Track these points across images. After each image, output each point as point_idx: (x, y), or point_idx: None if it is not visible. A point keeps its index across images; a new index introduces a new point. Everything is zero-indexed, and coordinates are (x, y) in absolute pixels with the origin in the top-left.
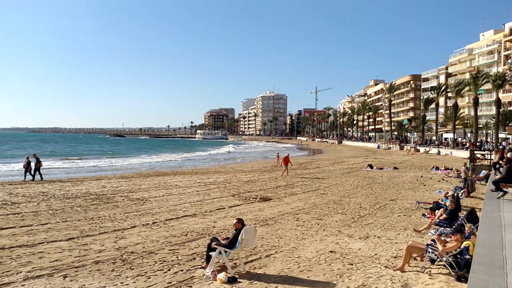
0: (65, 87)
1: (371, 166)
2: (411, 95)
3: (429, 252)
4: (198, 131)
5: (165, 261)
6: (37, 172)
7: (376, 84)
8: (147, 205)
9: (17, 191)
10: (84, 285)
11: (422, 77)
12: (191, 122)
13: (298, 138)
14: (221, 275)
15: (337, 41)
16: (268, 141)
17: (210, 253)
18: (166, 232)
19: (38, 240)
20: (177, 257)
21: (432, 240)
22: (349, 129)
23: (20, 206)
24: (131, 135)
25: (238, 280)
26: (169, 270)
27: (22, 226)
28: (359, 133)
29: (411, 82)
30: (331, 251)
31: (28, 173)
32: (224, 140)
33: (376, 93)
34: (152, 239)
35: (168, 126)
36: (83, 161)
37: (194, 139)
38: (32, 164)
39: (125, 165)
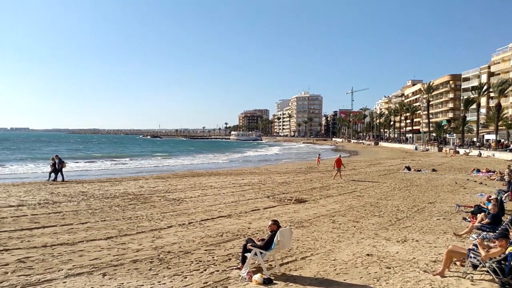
0: (104, 89)
1: (408, 168)
2: (451, 95)
3: (471, 257)
4: (232, 132)
5: (201, 261)
6: (59, 173)
7: (413, 85)
8: (183, 205)
9: (58, 191)
10: (123, 283)
11: (462, 76)
12: (226, 123)
13: (333, 139)
14: (257, 277)
15: (374, 40)
16: (303, 142)
17: (246, 254)
18: (201, 232)
19: (78, 238)
20: (213, 257)
21: (474, 244)
22: (385, 130)
23: (61, 205)
24: (167, 136)
25: (274, 281)
26: (205, 270)
27: (63, 224)
28: (396, 134)
29: (451, 82)
30: (368, 254)
31: (53, 173)
32: (258, 141)
33: (413, 93)
34: (188, 239)
35: (203, 127)
36: (121, 161)
37: (228, 140)
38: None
39: (162, 166)
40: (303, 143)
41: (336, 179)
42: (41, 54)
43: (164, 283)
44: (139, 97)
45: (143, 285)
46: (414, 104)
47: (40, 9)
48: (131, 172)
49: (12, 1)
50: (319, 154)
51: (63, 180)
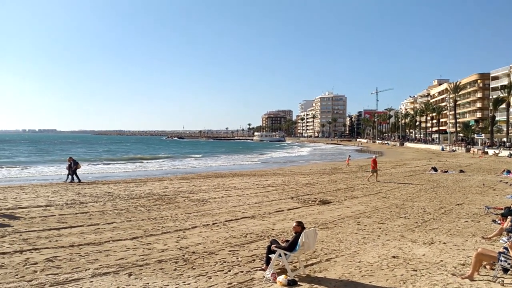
0: (129, 91)
1: (435, 169)
2: (479, 94)
3: (501, 260)
4: (255, 133)
5: (225, 261)
6: (74, 174)
7: (440, 84)
8: (207, 206)
9: (85, 191)
10: (148, 283)
11: (491, 75)
12: (249, 124)
13: (358, 140)
14: (281, 278)
15: (399, 40)
16: (327, 143)
17: (270, 255)
18: (226, 233)
19: (105, 238)
20: (237, 258)
21: (505, 247)
22: (411, 130)
23: (88, 206)
24: (190, 137)
25: (298, 283)
26: (229, 271)
27: (89, 224)
28: (421, 135)
29: (479, 81)
30: (393, 256)
31: (71, 174)
32: (282, 142)
33: (440, 93)
34: (213, 239)
35: (227, 128)
36: (146, 162)
37: (251, 141)
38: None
39: (186, 166)
40: (327, 143)
41: (370, 181)
42: (67, 57)
43: (189, 283)
44: (164, 99)
45: (168, 285)
46: (441, 104)
47: (65, 13)
48: (156, 173)
49: (38, 5)
50: (349, 156)
51: (79, 181)
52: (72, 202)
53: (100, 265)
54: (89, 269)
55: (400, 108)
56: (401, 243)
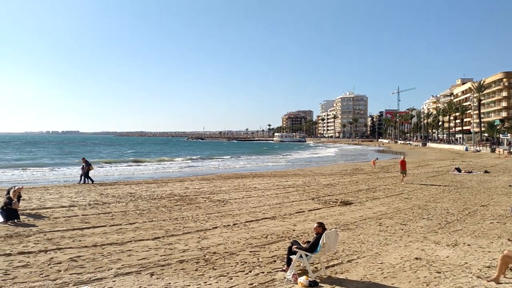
0: (149, 93)
1: (458, 170)
2: (504, 93)
3: None
4: (276, 134)
5: (246, 262)
6: (86, 176)
7: (463, 83)
8: (228, 206)
9: (107, 192)
10: (170, 283)
11: None
12: (269, 125)
13: (379, 140)
14: (302, 279)
15: (421, 38)
16: (348, 144)
17: (291, 256)
18: (246, 233)
19: (127, 238)
20: (258, 259)
21: None
22: (433, 130)
23: (110, 206)
24: (211, 138)
25: (319, 284)
26: (250, 271)
27: (112, 225)
28: (444, 135)
29: (504, 79)
30: (416, 258)
31: (83, 176)
32: (302, 142)
33: (463, 92)
34: (233, 240)
35: (247, 129)
36: (167, 163)
37: (271, 141)
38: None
39: (206, 167)
40: (348, 144)
41: (404, 182)
42: (89, 59)
43: (210, 284)
44: (185, 100)
45: (189, 285)
46: (464, 104)
47: (88, 15)
48: (176, 174)
49: (61, 7)
50: (377, 158)
51: (92, 182)
52: (95, 203)
53: (122, 265)
54: (111, 268)
55: (423, 108)
56: (424, 244)
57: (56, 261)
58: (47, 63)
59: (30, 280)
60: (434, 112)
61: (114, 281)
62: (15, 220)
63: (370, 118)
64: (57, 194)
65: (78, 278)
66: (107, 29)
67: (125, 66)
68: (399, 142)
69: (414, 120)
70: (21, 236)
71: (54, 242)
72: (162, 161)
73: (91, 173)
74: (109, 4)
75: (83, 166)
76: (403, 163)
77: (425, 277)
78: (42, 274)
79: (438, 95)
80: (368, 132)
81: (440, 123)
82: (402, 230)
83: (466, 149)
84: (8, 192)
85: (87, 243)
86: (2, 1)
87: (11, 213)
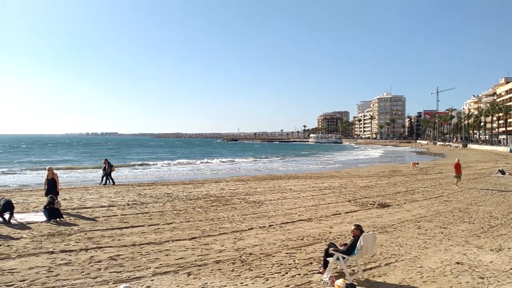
0: (185, 94)
1: (502, 172)
2: None
3: None
4: (311, 135)
5: (282, 264)
6: (109, 177)
7: (507, 82)
8: (263, 208)
9: (145, 192)
10: (206, 283)
11: None
12: (304, 126)
13: (417, 141)
14: (339, 282)
15: (462, 36)
16: (386, 145)
17: (328, 259)
18: (282, 235)
19: (164, 238)
20: (294, 260)
21: None
22: (475, 131)
23: (148, 206)
24: (245, 140)
25: (357, 287)
26: (286, 273)
27: (150, 224)
28: (486, 136)
29: None
30: (457, 262)
31: (105, 177)
32: (338, 144)
33: (507, 91)
34: (269, 241)
35: (281, 130)
36: (202, 164)
37: (307, 142)
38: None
39: (241, 168)
40: (385, 145)
41: (458, 186)
42: (127, 62)
43: (247, 285)
44: (220, 101)
45: (226, 286)
46: (508, 104)
47: (126, 18)
48: (212, 175)
49: (98, 11)
50: (417, 163)
51: (113, 183)
52: (133, 203)
53: (160, 264)
54: (150, 268)
55: (463, 108)
56: (466, 248)
57: (96, 260)
58: (86, 66)
59: (72, 278)
60: (476, 112)
61: (152, 280)
62: (58, 219)
63: (408, 119)
64: (97, 194)
65: (118, 276)
66: (144, 31)
67: (163, 68)
68: (438, 143)
69: (454, 120)
70: (63, 235)
71: (95, 241)
72: (196, 162)
73: (113, 174)
74: (144, 5)
75: (105, 167)
76: (457, 166)
77: (467, 282)
78: (83, 272)
79: (480, 95)
80: (406, 133)
81: (482, 123)
82: (442, 233)
83: (510, 151)
84: (51, 196)
85: (126, 242)
86: (39, 7)
87: (53, 212)
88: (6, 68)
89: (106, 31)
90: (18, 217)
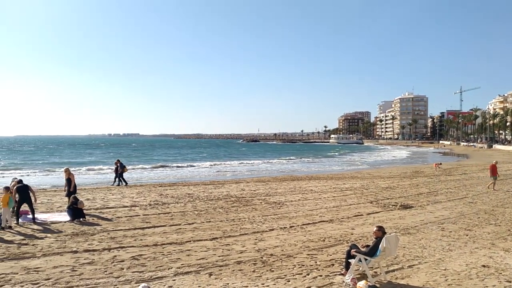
0: (206, 95)
1: None
2: None
3: None
4: (332, 136)
5: (303, 265)
6: (121, 177)
7: None
8: (284, 209)
9: (167, 193)
10: (228, 283)
11: None
12: (325, 127)
13: (440, 142)
14: (361, 283)
15: (486, 34)
16: (408, 145)
17: (350, 260)
18: (303, 236)
19: (186, 238)
20: (316, 262)
21: None
22: (500, 132)
23: (170, 206)
24: (265, 140)
25: None
26: (308, 274)
27: (171, 225)
28: None
29: None
30: (483, 265)
31: (117, 178)
32: (359, 144)
33: None
34: (290, 242)
35: (302, 130)
36: (223, 165)
37: (327, 143)
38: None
39: (261, 169)
40: (407, 146)
41: (490, 188)
42: (147, 64)
43: (268, 286)
44: (239, 101)
45: (247, 287)
46: None
47: (148, 18)
48: (232, 176)
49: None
50: (440, 163)
51: (126, 184)
52: (155, 203)
53: (182, 264)
54: (171, 267)
55: (488, 108)
56: (492, 251)
57: (119, 259)
58: (108, 67)
59: (95, 277)
60: (501, 112)
61: (174, 280)
62: (81, 219)
63: (431, 119)
64: (119, 194)
65: (140, 276)
66: (167, 32)
67: (184, 70)
68: (462, 143)
69: (479, 120)
70: (86, 234)
71: (117, 240)
72: (217, 163)
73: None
74: (167, 6)
75: (117, 168)
76: (494, 168)
77: (493, 286)
78: (106, 271)
79: (505, 94)
80: (428, 134)
81: (508, 123)
82: (467, 235)
83: None
84: (74, 196)
85: (148, 242)
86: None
87: (77, 212)
88: (32, 71)
89: (129, 32)
90: (43, 217)
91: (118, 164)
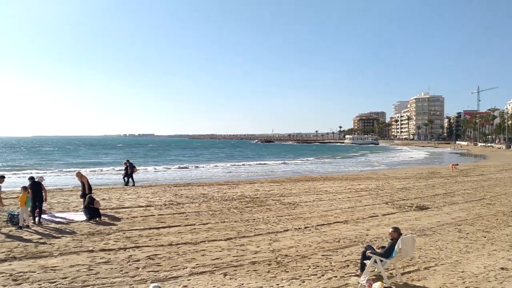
0: (219, 95)
1: None
2: None
3: None
4: (347, 136)
5: (318, 266)
6: (130, 178)
7: None
8: (298, 209)
9: (181, 193)
10: (243, 284)
11: None
12: (340, 127)
13: (457, 142)
14: (377, 285)
15: (504, 33)
16: (424, 146)
17: (365, 261)
18: (318, 237)
19: (201, 238)
20: (330, 263)
21: None
22: None
23: (184, 207)
24: (279, 141)
25: None
26: (322, 275)
27: (186, 225)
28: None
29: None
30: (502, 268)
31: (127, 178)
32: (375, 145)
33: None
34: (305, 243)
35: (316, 131)
36: (237, 166)
37: (342, 144)
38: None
39: (276, 170)
40: (423, 146)
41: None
42: (161, 64)
43: (283, 286)
44: (253, 102)
45: (262, 287)
46: None
47: (161, 18)
48: (246, 176)
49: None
50: (457, 164)
51: (133, 184)
52: (170, 203)
53: (196, 264)
54: (186, 267)
55: (506, 108)
56: (511, 254)
57: (134, 259)
58: (122, 68)
59: (111, 276)
60: None
61: (189, 279)
62: (97, 219)
63: (447, 120)
64: (134, 194)
65: (155, 275)
66: (181, 32)
67: (197, 68)
68: (479, 144)
69: (497, 121)
70: (102, 234)
71: (133, 240)
72: (231, 164)
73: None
74: (182, 7)
75: (127, 168)
76: None
77: None
78: (122, 270)
79: None
80: (445, 134)
81: None
82: (485, 237)
83: None
84: (90, 196)
85: (163, 242)
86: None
87: (93, 212)
88: (48, 72)
89: (143, 33)
90: (59, 216)
91: (128, 165)
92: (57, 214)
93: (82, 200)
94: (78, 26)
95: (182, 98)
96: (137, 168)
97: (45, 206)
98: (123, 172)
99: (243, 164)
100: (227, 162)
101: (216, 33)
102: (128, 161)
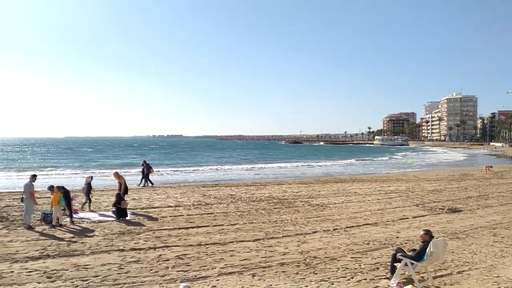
0: (247, 96)
1: None
2: None
3: None
4: (376, 137)
5: (347, 268)
6: (147, 178)
7: None
8: (327, 211)
9: (210, 193)
10: (271, 285)
11: None
12: (369, 128)
13: (491, 143)
14: None
15: None
16: (456, 147)
17: (395, 264)
18: (347, 239)
19: (229, 239)
20: (360, 265)
21: None
22: None
23: (212, 207)
24: (308, 142)
25: None
26: (352, 277)
27: (214, 225)
28: None
29: None
30: None
31: (144, 179)
32: (404, 146)
33: None
34: (334, 245)
35: (345, 132)
36: (265, 167)
37: (371, 145)
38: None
39: (303, 171)
40: (455, 148)
41: None
42: (190, 65)
43: None
44: (281, 103)
45: None
46: None
47: (189, 19)
48: (274, 177)
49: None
50: (491, 166)
51: (152, 185)
52: (198, 203)
53: (225, 265)
54: (215, 267)
55: None
56: None
57: (164, 258)
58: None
59: (141, 275)
60: None
61: (218, 279)
62: (125, 218)
63: (480, 120)
64: (164, 194)
65: (184, 275)
66: (211, 34)
67: (225, 69)
68: None
69: None
70: (132, 233)
71: (162, 240)
72: (259, 165)
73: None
74: (212, 8)
75: (143, 169)
76: None
77: None
78: (151, 270)
79: None
80: (478, 135)
81: None
82: None
83: None
84: (118, 194)
85: (192, 242)
86: (104, 11)
87: (121, 212)
88: (80, 74)
89: (172, 33)
90: (91, 216)
91: (145, 166)
92: (88, 214)
93: (114, 199)
94: (106, 27)
95: (210, 98)
96: (153, 169)
97: (76, 206)
98: (140, 173)
99: (272, 166)
100: (254, 164)
101: (244, 35)
102: (144, 161)
